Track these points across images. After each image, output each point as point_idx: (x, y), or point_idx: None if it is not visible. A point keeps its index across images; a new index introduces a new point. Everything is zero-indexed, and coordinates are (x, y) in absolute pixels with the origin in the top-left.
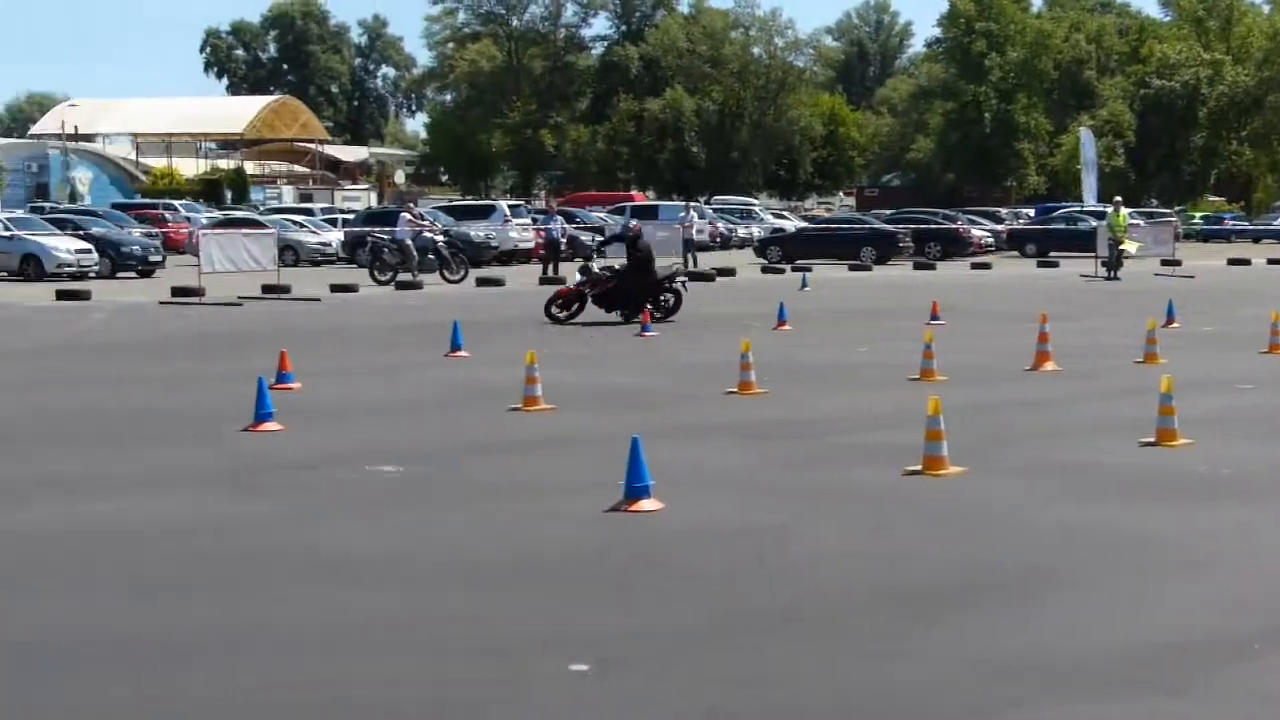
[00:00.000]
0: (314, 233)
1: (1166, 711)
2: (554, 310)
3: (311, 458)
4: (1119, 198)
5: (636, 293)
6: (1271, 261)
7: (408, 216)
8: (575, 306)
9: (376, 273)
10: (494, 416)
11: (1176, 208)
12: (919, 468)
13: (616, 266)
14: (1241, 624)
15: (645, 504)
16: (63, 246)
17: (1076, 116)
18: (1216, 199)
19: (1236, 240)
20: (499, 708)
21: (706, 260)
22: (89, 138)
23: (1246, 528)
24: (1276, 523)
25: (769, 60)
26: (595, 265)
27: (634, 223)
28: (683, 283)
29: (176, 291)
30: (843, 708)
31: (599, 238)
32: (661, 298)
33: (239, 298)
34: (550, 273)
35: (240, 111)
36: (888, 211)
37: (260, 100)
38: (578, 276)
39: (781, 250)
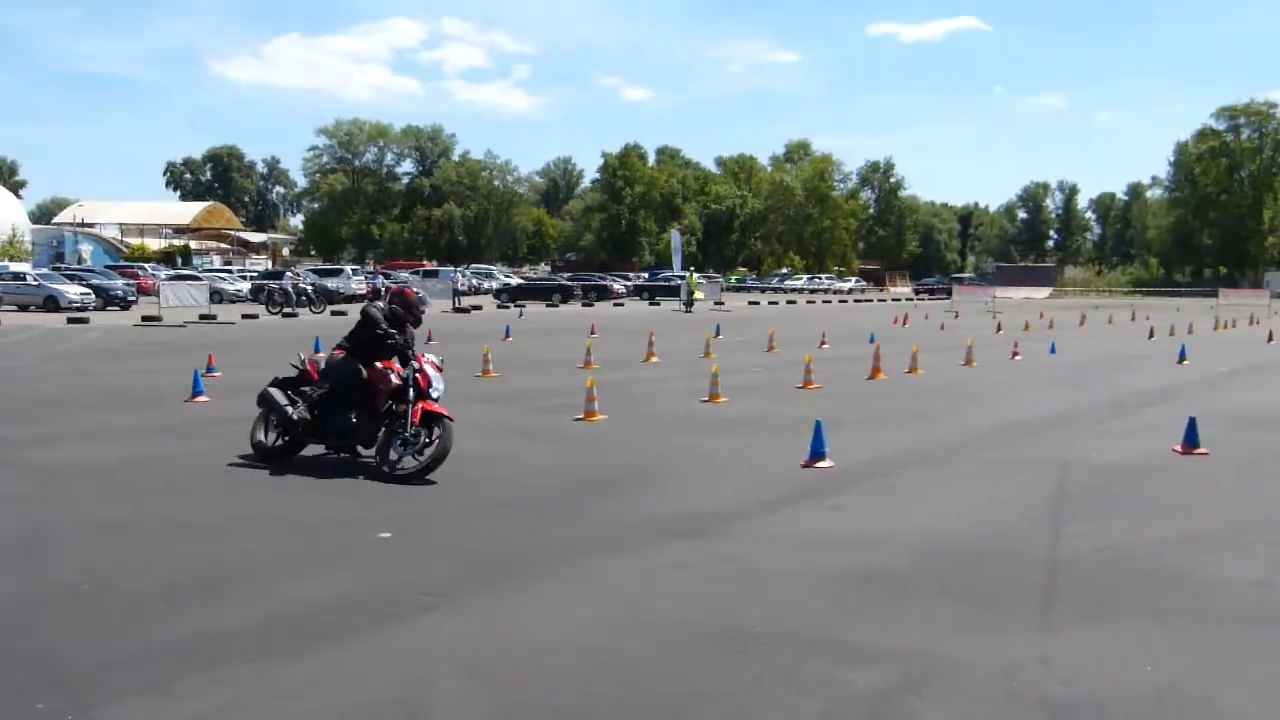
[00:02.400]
0: (232, 284)
1: (705, 548)
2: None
3: (226, 417)
4: (692, 267)
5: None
6: (771, 302)
7: (289, 274)
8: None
9: (270, 308)
10: None
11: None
12: (582, 417)
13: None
14: (755, 499)
15: None
16: (72, 291)
17: (671, 223)
18: (743, 269)
19: (753, 291)
20: (329, 562)
21: (466, 301)
22: (91, 225)
23: (756, 445)
24: (769, 442)
25: (503, 188)
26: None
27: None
28: None
29: (145, 318)
30: (542, 553)
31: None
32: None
33: (184, 322)
34: None
35: (187, 211)
36: (568, 273)
37: (200, 205)
38: None
39: (508, 295)
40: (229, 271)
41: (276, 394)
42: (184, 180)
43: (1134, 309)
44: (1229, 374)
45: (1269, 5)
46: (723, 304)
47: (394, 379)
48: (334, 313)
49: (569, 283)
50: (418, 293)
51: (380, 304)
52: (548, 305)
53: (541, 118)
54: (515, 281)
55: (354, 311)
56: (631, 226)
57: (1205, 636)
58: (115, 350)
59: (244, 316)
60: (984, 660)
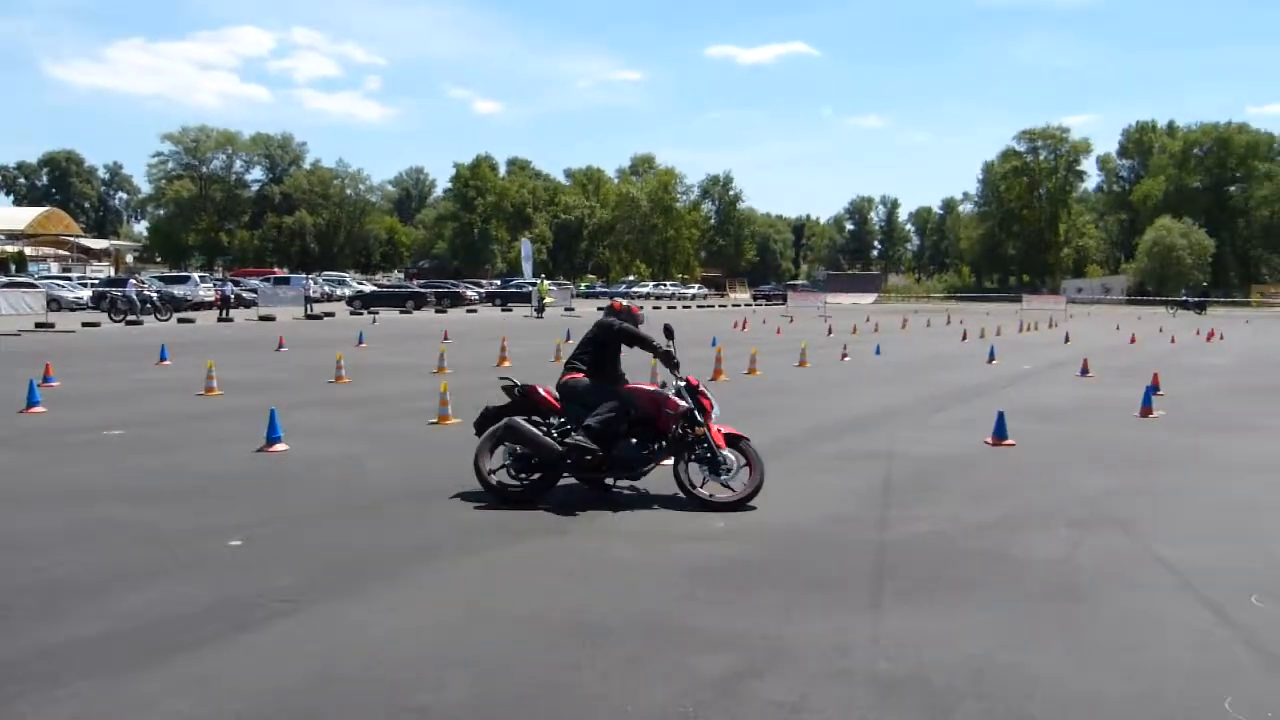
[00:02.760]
0: (72, 291)
1: (557, 545)
2: None
3: (66, 427)
4: (543, 275)
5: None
6: None
7: (133, 281)
8: None
9: (113, 315)
10: (186, 399)
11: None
12: (436, 421)
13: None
14: (604, 496)
15: (279, 446)
16: None
17: (523, 232)
18: (592, 276)
19: (602, 298)
20: (178, 572)
21: (319, 308)
22: None
23: None
24: None
25: (355, 196)
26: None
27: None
28: None
29: None
30: (396, 555)
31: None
32: None
33: (19, 331)
34: (224, 316)
35: (22, 216)
36: (421, 281)
37: (36, 210)
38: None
39: (362, 302)
40: (68, 278)
41: (527, 425)
42: (18, 185)
43: (949, 313)
44: (1032, 372)
45: (1060, 41)
46: (573, 310)
47: (680, 402)
48: (181, 320)
49: (422, 290)
50: (641, 308)
51: (613, 319)
52: (401, 312)
53: (393, 128)
54: (369, 289)
55: (202, 320)
56: (484, 235)
57: (1017, 610)
58: None
59: (85, 325)
60: (820, 641)
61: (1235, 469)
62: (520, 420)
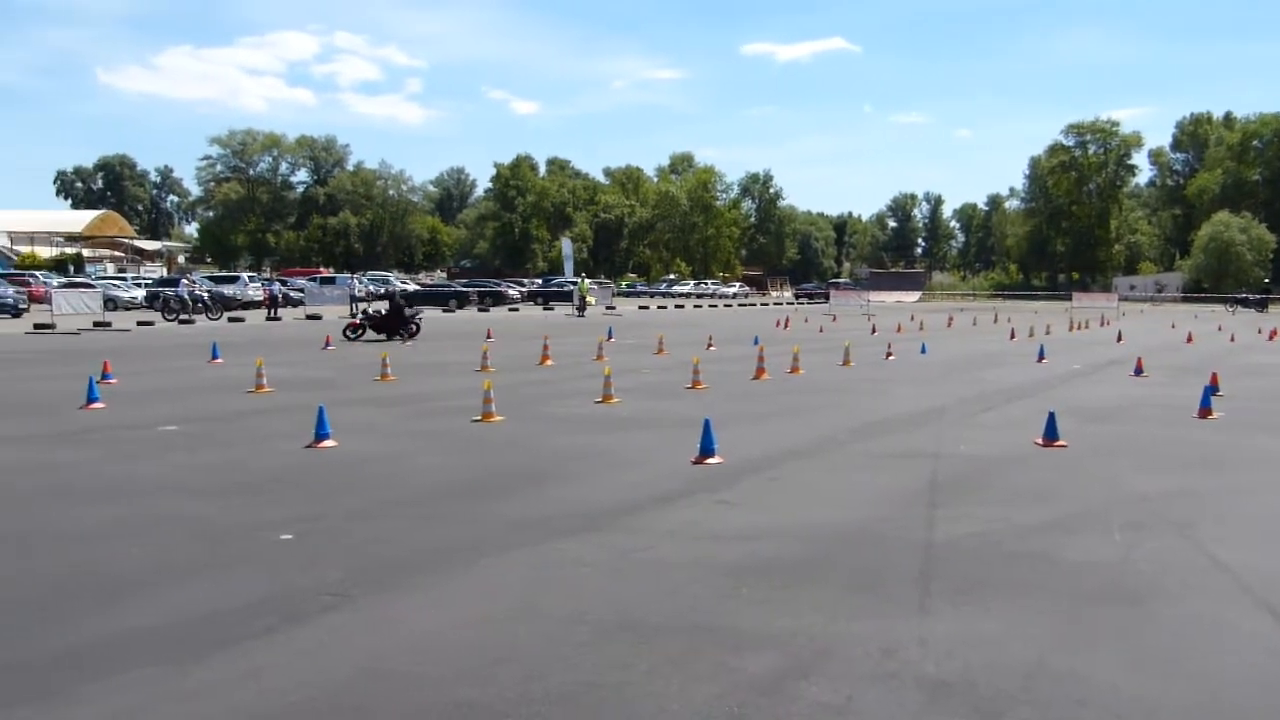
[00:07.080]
0: (127, 291)
1: (600, 543)
2: (348, 332)
3: (123, 423)
4: (584, 273)
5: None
6: (660, 307)
7: (185, 281)
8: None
9: (166, 314)
10: (237, 396)
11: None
12: (479, 418)
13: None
14: (647, 495)
15: (328, 443)
16: None
17: (563, 232)
18: (632, 275)
19: (643, 296)
20: (231, 565)
21: (364, 307)
22: None
23: (648, 443)
24: (661, 440)
25: (397, 197)
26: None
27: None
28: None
29: (37, 326)
30: (442, 551)
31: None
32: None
33: (78, 330)
34: (273, 315)
35: (79, 219)
36: (463, 280)
37: (92, 213)
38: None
39: (406, 302)
40: (123, 279)
41: None
42: (75, 189)
43: (996, 312)
44: (1084, 371)
45: (1105, 33)
46: (614, 308)
47: None
48: (231, 319)
49: (465, 289)
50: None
51: None
52: (444, 311)
53: (434, 129)
54: (412, 288)
55: (252, 319)
56: (524, 234)
57: (1069, 614)
58: (7, 358)
59: (140, 324)
60: (865, 642)
61: None
62: None
